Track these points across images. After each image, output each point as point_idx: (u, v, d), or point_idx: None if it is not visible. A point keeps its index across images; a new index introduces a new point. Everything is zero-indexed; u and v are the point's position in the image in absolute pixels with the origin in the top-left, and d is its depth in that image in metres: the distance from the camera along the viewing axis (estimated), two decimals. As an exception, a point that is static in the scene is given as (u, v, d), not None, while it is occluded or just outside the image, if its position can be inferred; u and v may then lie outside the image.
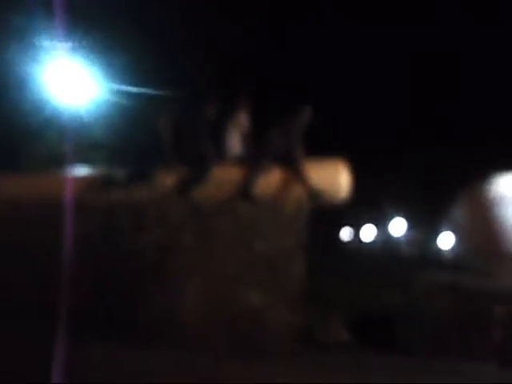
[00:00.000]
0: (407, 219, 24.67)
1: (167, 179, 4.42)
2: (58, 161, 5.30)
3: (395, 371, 3.79)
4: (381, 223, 25.88)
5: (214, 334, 4.12)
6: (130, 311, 4.05)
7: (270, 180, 4.40)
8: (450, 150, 16.73)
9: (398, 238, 24.94)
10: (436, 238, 20.85)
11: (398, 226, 25.22)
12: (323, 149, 4.71)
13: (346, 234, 27.28)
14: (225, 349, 3.93)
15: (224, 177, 4.40)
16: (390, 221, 25.28)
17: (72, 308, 3.88)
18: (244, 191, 4.31)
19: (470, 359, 4.31)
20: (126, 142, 5.04)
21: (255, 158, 4.45)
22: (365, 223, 26.62)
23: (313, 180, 4.39)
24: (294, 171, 4.38)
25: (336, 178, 4.48)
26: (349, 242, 26.94)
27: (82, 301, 3.94)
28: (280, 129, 4.62)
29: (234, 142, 4.63)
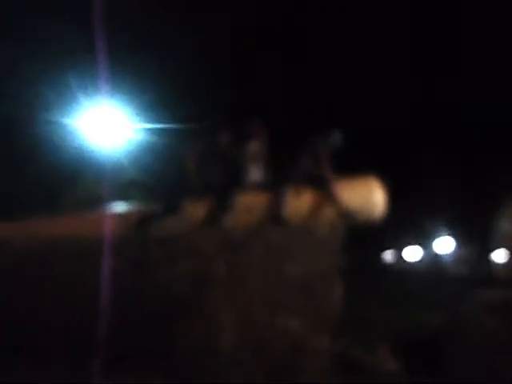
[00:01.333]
0: (455, 237, 23.63)
1: (198, 211, 4.44)
2: (96, 201, 5.46)
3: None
4: (427, 242, 24.90)
5: (254, 365, 3.99)
6: (167, 344, 4.00)
7: (301, 204, 4.34)
8: (496, 162, 16.06)
9: (445, 257, 23.83)
10: (487, 255, 19.75)
11: (446, 245, 24.15)
12: (361, 168, 4.67)
13: (389, 255, 26.39)
14: (263, 379, 3.79)
15: (254, 204, 4.38)
16: (436, 239, 24.28)
17: (111, 342, 3.89)
18: (275, 216, 4.28)
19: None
20: (158, 177, 5.16)
21: (283, 183, 4.42)
22: (409, 243, 25.70)
23: (347, 199, 4.30)
24: (325, 193, 4.31)
25: (371, 196, 4.36)
26: (393, 264, 26.00)
27: (121, 335, 3.94)
28: (308, 152, 4.61)
29: (259, 170, 4.65)
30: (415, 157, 16.99)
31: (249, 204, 4.39)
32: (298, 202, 4.36)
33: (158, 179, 5.05)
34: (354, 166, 4.79)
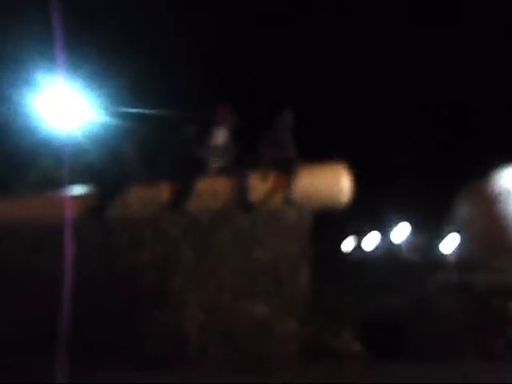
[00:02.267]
0: (411, 223, 24.50)
1: (162, 195, 4.35)
2: (53, 184, 5.24)
3: (407, 377, 3.64)
4: (384, 229, 25.71)
5: (221, 349, 3.96)
6: (132, 330, 3.89)
7: (267, 188, 4.33)
8: (449, 148, 16.67)
9: (402, 244, 24.73)
10: (442, 240, 20.60)
11: (402, 232, 25.04)
12: (324, 153, 4.69)
13: (350, 241, 27.10)
14: (230, 364, 3.77)
15: (219, 189, 4.34)
16: (393, 226, 25.11)
17: (76, 329, 3.74)
18: (240, 201, 4.27)
19: (485, 359, 4.17)
20: (114, 161, 5.05)
21: (247, 168, 4.42)
22: (368, 230, 26.46)
23: (315, 184, 4.33)
24: (287, 175, 4.33)
25: (338, 182, 4.40)
26: (354, 250, 26.73)
27: (84, 322, 3.80)
28: (269, 135, 4.66)
29: (225, 155, 4.64)
30: (376, 145, 17.39)
31: (213, 189, 4.35)
32: (264, 186, 4.36)
33: (114, 163, 4.94)
34: (321, 152, 4.84)
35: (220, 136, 4.71)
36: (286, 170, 4.35)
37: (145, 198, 4.40)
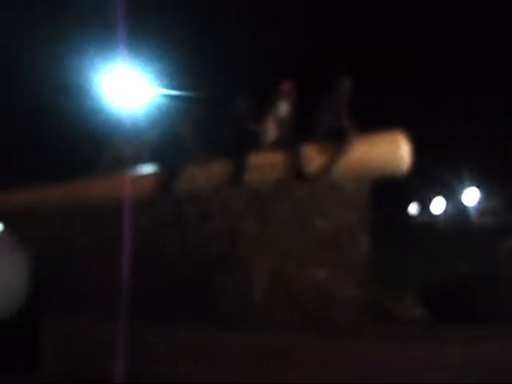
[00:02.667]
0: (480, 189, 23.27)
1: (224, 170, 4.59)
2: (125, 163, 5.62)
3: (471, 341, 3.67)
4: (451, 194, 24.61)
5: (286, 312, 4.22)
6: (202, 296, 4.26)
7: (325, 158, 4.40)
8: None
9: (471, 209, 23.58)
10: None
11: (471, 197, 23.85)
12: (382, 122, 4.64)
13: (414, 207, 26.26)
14: (298, 326, 4.03)
15: (275, 161, 4.48)
16: (461, 192, 23.98)
17: (145, 295, 4.17)
18: (297, 172, 4.37)
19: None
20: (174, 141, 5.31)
21: (302, 140, 4.49)
22: (434, 196, 25.45)
23: (373, 153, 4.34)
24: (343, 145, 4.34)
25: (397, 151, 4.37)
26: (418, 216, 25.90)
27: (159, 287, 4.22)
28: (323, 105, 4.65)
29: (283, 129, 4.74)
30: (440, 109, 16.50)
31: (271, 162, 4.50)
32: (321, 157, 4.42)
33: (172, 142, 5.20)
34: (378, 120, 4.78)
35: (283, 109, 4.81)
36: (342, 139, 4.36)
37: (208, 173, 4.66)
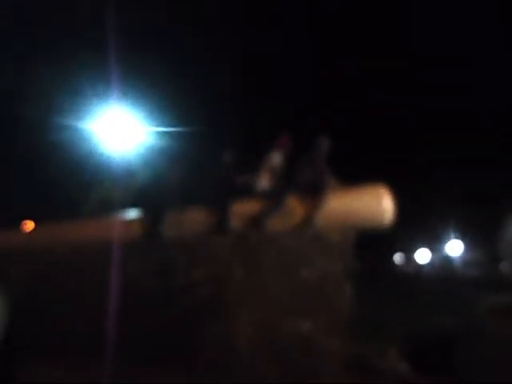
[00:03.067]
0: (464, 241, 23.59)
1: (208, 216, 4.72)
2: (114, 205, 5.65)
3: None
4: (437, 245, 24.85)
5: (268, 363, 4.16)
6: (189, 345, 4.20)
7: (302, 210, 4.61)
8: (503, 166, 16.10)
9: (455, 260, 23.78)
10: (496, 258, 19.64)
11: (455, 248, 24.10)
12: (370, 175, 4.84)
13: (399, 258, 26.39)
14: (279, 378, 3.96)
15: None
16: (446, 243, 24.26)
17: (136, 341, 4.10)
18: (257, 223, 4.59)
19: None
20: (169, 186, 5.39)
21: (284, 192, 4.70)
22: (420, 246, 25.68)
23: (357, 207, 4.49)
24: (320, 199, 4.55)
25: (379, 204, 4.51)
26: (403, 266, 25.97)
27: (143, 334, 4.16)
28: (304, 161, 4.92)
29: (272, 180, 4.94)
30: (424, 161, 17.05)
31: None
32: (301, 209, 4.61)
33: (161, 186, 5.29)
34: (362, 173, 4.98)
35: (276, 160, 5.03)
36: (318, 194, 4.58)
37: (193, 219, 4.73)
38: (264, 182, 4.94)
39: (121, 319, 4.18)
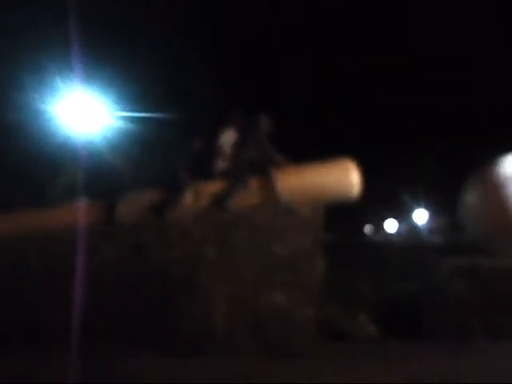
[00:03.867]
0: (428, 209, 24.49)
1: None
2: (79, 190, 5.56)
3: (421, 358, 3.92)
4: (403, 215, 25.70)
5: (246, 337, 4.31)
6: (166, 324, 4.29)
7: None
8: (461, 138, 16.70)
9: (420, 228, 24.74)
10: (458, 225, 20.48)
11: (421, 217, 25.04)
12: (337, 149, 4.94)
13: (368, 230, 27.19)
14: (256, 350, 4.13)
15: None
16: (412, 212, 25.12)
17: (112, 321, 4.17)
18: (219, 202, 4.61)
19: (493, 339, 4.41)
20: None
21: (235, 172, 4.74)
22: (386, 217, 26.50)
23: (324, 181, 4.61)
24: (265, 180, 4.60)
25: (347, 177, 4.66)
26: (372, 236, 26.81)
27: (120, 314, 4.24)
28: (248, 140, 4.90)
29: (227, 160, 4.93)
30: (390, 133, 17.46)
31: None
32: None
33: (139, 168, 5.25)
34: (329, 147, 5.09)
35: (229, 138, 4.98)
36: (262, 173, 4.63)
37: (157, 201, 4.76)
38: (221, 161, 4.91)
39: (96, 303, 4.21)
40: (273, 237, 4.47)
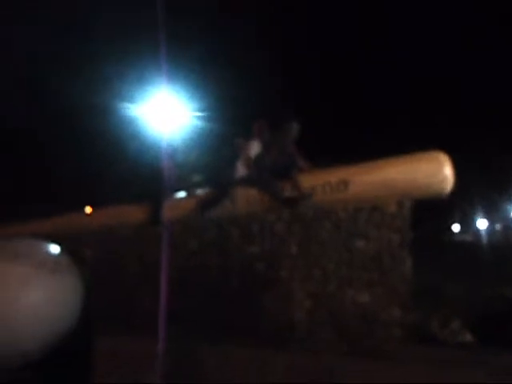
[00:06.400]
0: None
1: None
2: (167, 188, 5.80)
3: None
4: (496, 213, 23.73)
5: (328, 334, 4.21)
6: (248, 319, 4.33)
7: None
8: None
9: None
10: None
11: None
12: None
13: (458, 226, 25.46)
14: (340, 349, 4.01)
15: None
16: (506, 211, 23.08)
17: (196, 312, 4.32)
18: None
19: None
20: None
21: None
22: (477, 216, 24.62)
23: (418, 173, 4.33)
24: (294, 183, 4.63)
25: (440, 171, 4.34)
26: (462, 234, 25.06)
27: (203, 306, 4.38)
28: (275, 148, 4.98)
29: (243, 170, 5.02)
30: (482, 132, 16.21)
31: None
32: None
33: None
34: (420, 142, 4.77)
35: (254, 149, 5.04)
36: (288, 177, 4.67)
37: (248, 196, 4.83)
38: (242, 171, 4.98)
39: (181, 296, 4.36)
40: (357, 233, 4.30)
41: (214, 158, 5.57)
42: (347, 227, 4.32)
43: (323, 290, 4.28)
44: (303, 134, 5.06)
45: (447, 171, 4.35)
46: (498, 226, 24.08)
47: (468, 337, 4.60)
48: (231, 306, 4.38)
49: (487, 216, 24.60)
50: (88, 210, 6.64)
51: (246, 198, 4.82)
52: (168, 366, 3.69)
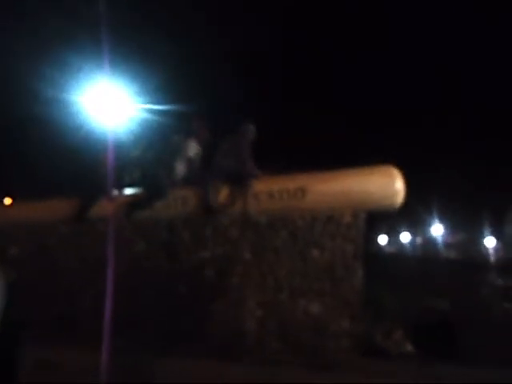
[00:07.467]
0: (445, 223, 24.08)
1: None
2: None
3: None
4: (417, 229, 25.31)
5: (276, 345, 4.10)
6: (196, 325, 4.10)
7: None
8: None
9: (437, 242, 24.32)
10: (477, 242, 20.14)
11: (437, 231, 24.59)
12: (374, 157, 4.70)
13: (384, 239, 26.83)
14: (288, 359, 3.91)
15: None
16: (427, 226, 24.72)
17: (140, 320, 3.98)
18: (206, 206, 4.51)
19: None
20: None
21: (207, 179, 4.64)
22: (403, 228, 26.13)
23: (370, 187, 4.38)
24: (244, 188, 4.46)
25: (393, 184, 4.42)
26: (387, 247, 26.42)
27: (148, 314, 4.04)
28: (226, 150, 4.77)
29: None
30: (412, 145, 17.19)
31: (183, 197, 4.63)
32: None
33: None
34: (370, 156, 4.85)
35: (192, 148, 4.90)
36: (240, 183, 4.48)
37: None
38: (180, 171, 4.81)
39: (125, 300, 4.03)
40: (312, 242, 4.26)
41: (154, 155, 5.24)
42: (304, 236, 4.25)
43: (275, 299, 4.17)
44: (261, 138, 4.88)
45: (398, 185, 4.44)
46: (420, 239, 25.71)
47: (409, 348, 4.72)
48: (179, 313, 4.13)
49: (410, 229, 26.20)
50: (7, 201, 6.04)
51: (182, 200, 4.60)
52: (108, 379, 3.35)
